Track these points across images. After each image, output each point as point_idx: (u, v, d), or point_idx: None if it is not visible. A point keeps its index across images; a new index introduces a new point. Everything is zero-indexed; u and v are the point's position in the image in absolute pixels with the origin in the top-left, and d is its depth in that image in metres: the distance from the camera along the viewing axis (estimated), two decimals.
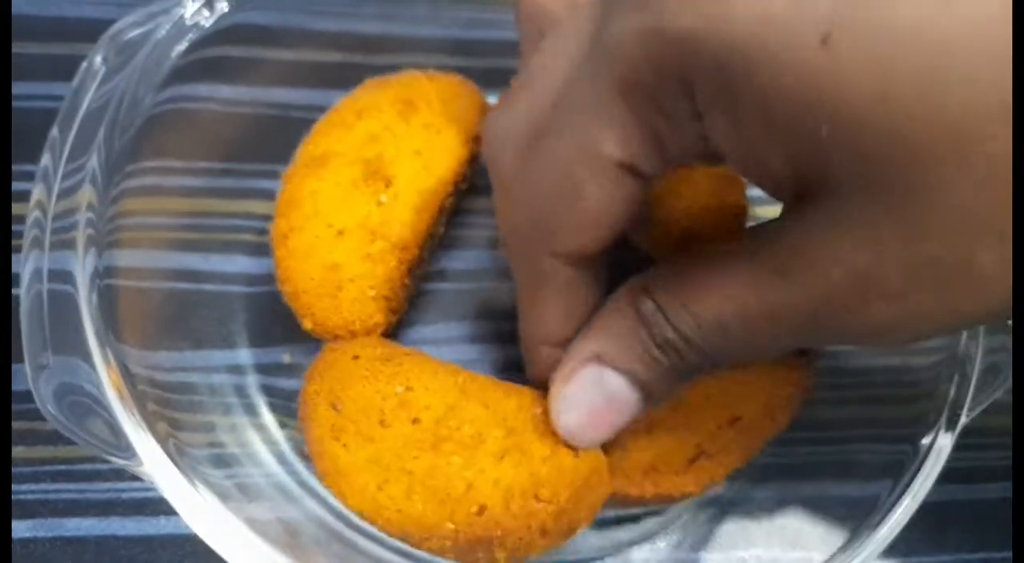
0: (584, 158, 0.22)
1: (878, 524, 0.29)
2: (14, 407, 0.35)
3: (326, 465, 0.30)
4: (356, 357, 0.32)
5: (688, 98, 0.20)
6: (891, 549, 0.36)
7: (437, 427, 0.30)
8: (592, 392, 0.26)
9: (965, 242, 0.18)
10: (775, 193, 0.22)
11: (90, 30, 0.44)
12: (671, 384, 0.26)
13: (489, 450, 0.30)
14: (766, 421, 0.32)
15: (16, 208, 0.39)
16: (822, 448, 0.35)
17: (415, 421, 0.30)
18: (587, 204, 0.23)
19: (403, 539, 0.29)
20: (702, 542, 0.34)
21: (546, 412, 0.30)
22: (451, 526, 0.28)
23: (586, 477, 0.29)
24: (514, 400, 0.31)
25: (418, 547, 0.30)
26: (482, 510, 0.28)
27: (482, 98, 0.39)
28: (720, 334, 0.23)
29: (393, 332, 0.36)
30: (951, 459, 0.30)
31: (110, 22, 0.34)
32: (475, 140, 0.38)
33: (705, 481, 0.31)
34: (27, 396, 0.27)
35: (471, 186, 0.40)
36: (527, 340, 0.29)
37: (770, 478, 0.35)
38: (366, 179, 0.35)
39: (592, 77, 0.22)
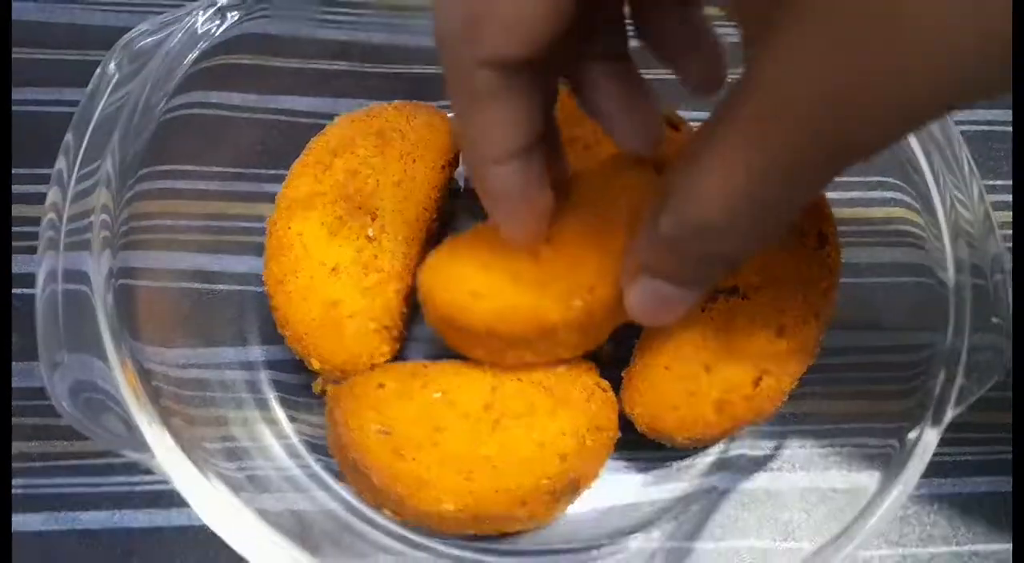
0: None
1: (867, 516, 0.29)
2: (29, 403, 0.36)
3: (405, 486, 0.31)
4: (381, 385, 0.33)
5: None
6: (880, 541, 0.37)
7: (488, 412, 0.33)
8: (649, 299, 0.28)
9: None
10: (742, 19, 0.23)
11: (102, 37, 0.45)
12: (711, 273, 0.27)
13: (542, 411, 0.33)
14: (811, 321, 0.33)
15: (31, 211, 0.40)
16: (813, 441, 0.36)
17: (466, 415, 0.33)
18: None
19: (507, 518, 0.32)
20: (696, 532, 0.34)
21: (570, 368, 0.34)
22: (547, 481, 0.31)
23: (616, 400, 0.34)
24: (538, 367, 0.34)
25: (509, 525, 0.32)
26: (564, 457, 0.32)
27: (450, 121, 0.39)
28: (736, 208, 0.22)
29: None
30: (939, 453, 0.30)
31: (122, 29, 0.34)
32: (449, 164, 0.39)
33: (776, 397, 0.33)
34: (42, 393, 0.27)
35: (465, 188, 0.41)
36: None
37: (762, 470, 0.36)
38: (351, 214, 0.36)
39: None
